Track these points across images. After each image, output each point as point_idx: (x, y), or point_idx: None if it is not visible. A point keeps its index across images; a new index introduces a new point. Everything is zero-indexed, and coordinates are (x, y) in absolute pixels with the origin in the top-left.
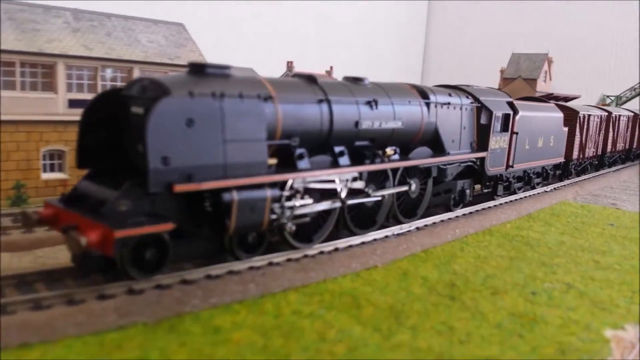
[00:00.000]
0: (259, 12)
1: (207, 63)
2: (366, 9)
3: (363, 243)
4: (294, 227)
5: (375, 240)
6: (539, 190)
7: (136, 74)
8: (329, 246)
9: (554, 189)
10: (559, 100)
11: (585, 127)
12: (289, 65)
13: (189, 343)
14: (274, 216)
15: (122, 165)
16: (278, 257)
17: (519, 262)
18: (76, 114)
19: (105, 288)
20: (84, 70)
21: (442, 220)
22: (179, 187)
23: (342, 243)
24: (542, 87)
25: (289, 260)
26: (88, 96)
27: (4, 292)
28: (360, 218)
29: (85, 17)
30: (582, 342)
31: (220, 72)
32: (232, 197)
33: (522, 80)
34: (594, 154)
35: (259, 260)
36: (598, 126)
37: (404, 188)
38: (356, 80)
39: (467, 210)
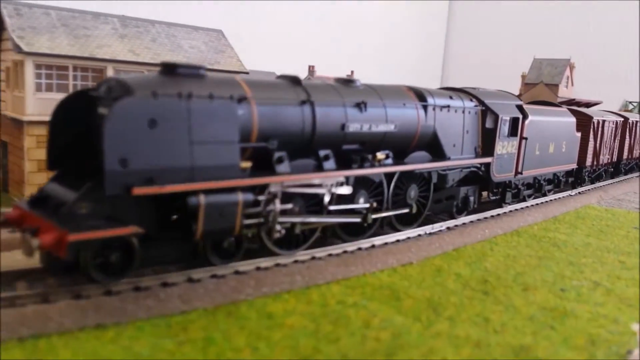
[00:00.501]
0: (280, 15)
1: (179, 63)
2: (386, 13)
3: (398, 241)
4: (283, 231)
5: (409, 238)
6: (563, 194)
7: None
8: (366, 243)
9: (579, 193)
10: (581, 106)
11: (599, 132)
12: (311, 69)
13: (247, 327)
14: (249, 222)
15: (92, 167)
16: (320, 252)
17: (547, 261)
18: None
19: (168, 277)
20: (131, 75)
21: (471, 221)
22: (138, 190)
23: (378, 240)
24: (564, 93)
25: (329, 255)
26: None
27: (79, 280)
28: (350, 225)
29: (131, 23)
30: (610, 334)
31: (193, 72)
32: (198, 201)
33: (544, 85)
34: (609, 160)
35: (302, 255)
36: (613, 132)
37: (404, 210)
38: (347, 82)
39: (494, 212)
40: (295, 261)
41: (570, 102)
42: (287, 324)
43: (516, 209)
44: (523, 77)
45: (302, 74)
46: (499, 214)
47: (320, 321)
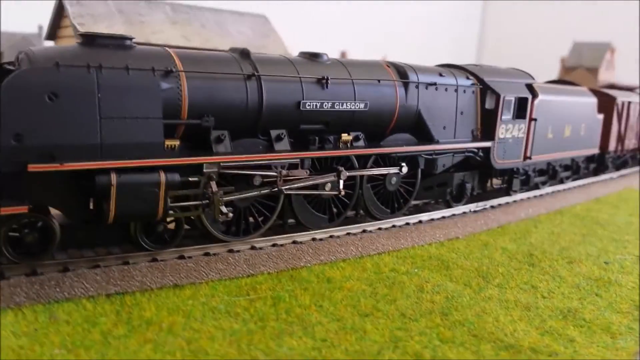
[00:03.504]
0: (316, 1)
1: (100, 33)
2: None
3: (444, 217)
4: (230, 215)
5: (454, 215)
6: (605, 176)
7: None
8: (413, 218)
9: (620, 176)
10: (622, 90)
11: (624, 115)
12: (343, 54)
13: (310, 288)
14: (182, 204)
15: None
16: (370, 226)
17: (590, 237)
18: None
19: (232, 245)
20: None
21: (514, 201)
22: (34, 167)
23: (425, 216)
24: (604, 77)
25: (379, 229)
26: None
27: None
28: (316, 210)
29: (182, 10)
30: None
31: (115, 43)
32: (109, 180)
33: (584, 69)
34: (636, 146)
35: (354, 228)
36: None
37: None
38: (312, 57)
39: (537, 192)
40: (348, 233)
41: (610, 86)
42: (346, 287)
43: (558, 191)
44: (562, 61)
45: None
46: (542, 195)
47: (376, 285)
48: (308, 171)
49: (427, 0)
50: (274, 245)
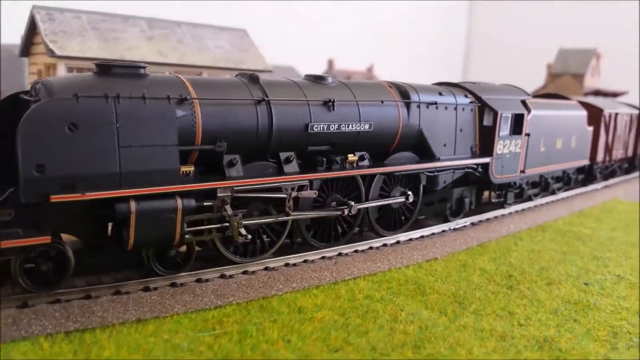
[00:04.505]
0: (300, 9)
1: (115, 62)
2: (407, 3)
3: (422, 237)
4: (249, 237)
5: (433, 234)
6: (589, 188)
7: None
8: (391, 239)
9: (605, 187)
10: (608, 96)
11: (611, 126)
12: (330, 63)
13: (279, 320)
14: (197, 228)
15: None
16: (346, 249)
17: (571, 255)
18: None
19: (202, 273)
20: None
21: (495, 217)
22: (56, 198)
23: (403, 236)
24: (590, 83)
25: (356, 251)
26: None
27: (118, 278)
28: (322, 230)
29: (158, 25)
30: (632, 326)
31: (130, 72)
32: (128, 208)
33: (570, 76)
34: (624, 156)
35: (329, 252)
36: (628, 125)
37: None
38: (317, 79)
39: (520, 207)
40: (323, 257)
41: (596, 93)
42: (317, 318)
43: (542, 204)
44: (548, 67)
45: (322, 68)
46: (523, 209)
47: (349, 315)
48: (316, 192)
49: (413, 1)
50: (244, 272)
